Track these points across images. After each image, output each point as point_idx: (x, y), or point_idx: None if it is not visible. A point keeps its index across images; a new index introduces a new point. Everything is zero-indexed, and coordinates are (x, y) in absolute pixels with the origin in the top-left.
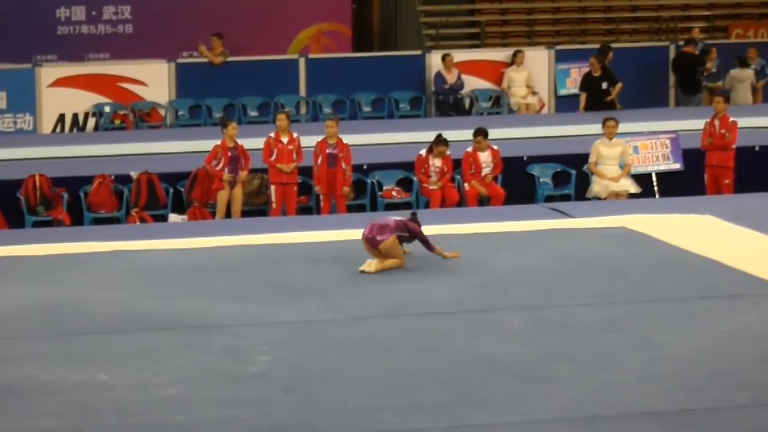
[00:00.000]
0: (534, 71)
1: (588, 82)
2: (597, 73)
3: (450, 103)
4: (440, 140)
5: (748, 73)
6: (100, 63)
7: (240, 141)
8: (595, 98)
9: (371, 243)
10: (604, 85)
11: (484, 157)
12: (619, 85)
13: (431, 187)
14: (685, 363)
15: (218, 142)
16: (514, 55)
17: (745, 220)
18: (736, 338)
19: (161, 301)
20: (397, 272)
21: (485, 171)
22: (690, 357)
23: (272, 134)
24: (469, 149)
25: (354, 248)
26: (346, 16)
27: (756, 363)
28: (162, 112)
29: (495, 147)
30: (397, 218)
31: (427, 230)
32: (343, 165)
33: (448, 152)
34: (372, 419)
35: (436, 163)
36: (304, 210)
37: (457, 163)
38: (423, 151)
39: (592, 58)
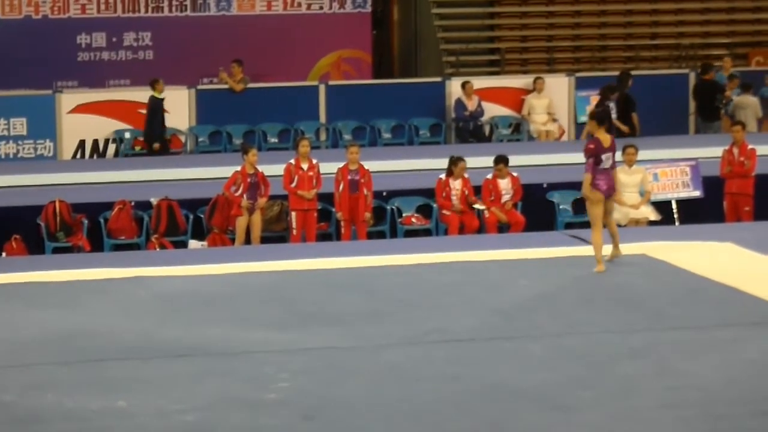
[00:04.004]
0: (554, 98)
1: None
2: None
3: (470, 130)
4: (456, 158)
5: (752, 101)
6: (121, 89)
7: (260, 167)
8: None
9: (609, 194)
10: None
11: (504, 184)
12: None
13: (451, 212)
14: (706, 391)
15: (238, 168)
16: (534, 82)
17: (765, 247)
18: (758, 366)
19: (181, 328)
20: (419, 299)
21: (505, 198)
22: (712, 385)
23: (292, 161)
24: (489, 176)
25: (375, 275)
26: (366, 42)
27: None
28: (182, 138)
29: (515, 174)
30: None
31: (446, 257)
32: (365, 191)
33: (466, 175)
34: None
35: (456, 185)
36: (324, 236)
37: (477, 190)
38: (442, 175)
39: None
